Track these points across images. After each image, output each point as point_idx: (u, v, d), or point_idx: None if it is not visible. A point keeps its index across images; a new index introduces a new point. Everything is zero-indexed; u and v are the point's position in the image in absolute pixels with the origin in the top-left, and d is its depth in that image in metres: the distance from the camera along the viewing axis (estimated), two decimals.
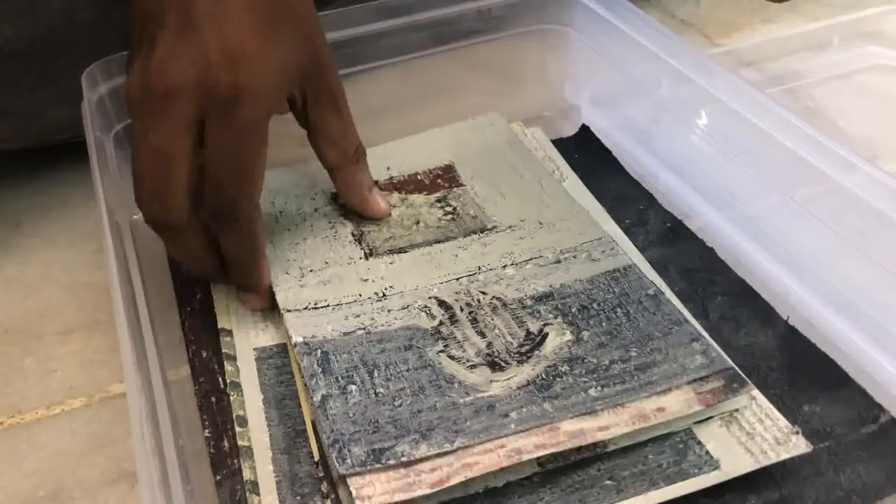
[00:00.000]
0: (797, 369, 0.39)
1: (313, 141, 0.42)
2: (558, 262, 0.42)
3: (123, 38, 0.38)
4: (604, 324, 0.39)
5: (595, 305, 0.40)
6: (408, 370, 0.37)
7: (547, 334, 0.38)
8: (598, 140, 0.53)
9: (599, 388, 0.36)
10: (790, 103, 0.58)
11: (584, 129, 0.54)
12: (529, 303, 0.40)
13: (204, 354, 0.40)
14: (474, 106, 0.53)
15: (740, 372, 0.36)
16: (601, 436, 0.34)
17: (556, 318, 0.39)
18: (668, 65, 0.47)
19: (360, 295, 0.41)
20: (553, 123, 0.55)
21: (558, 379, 0.36)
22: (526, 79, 0.58)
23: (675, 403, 0.35)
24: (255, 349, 0.40)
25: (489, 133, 0.52)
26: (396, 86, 0.55)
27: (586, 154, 0.52)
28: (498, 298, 0.40)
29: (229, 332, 0.40)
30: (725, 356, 0.37)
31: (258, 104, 0.36)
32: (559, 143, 0.52)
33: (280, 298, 0.40)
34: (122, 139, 0.46)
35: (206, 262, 0.40)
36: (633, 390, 0.35)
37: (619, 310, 0.39)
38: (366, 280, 0.42)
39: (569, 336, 0.38)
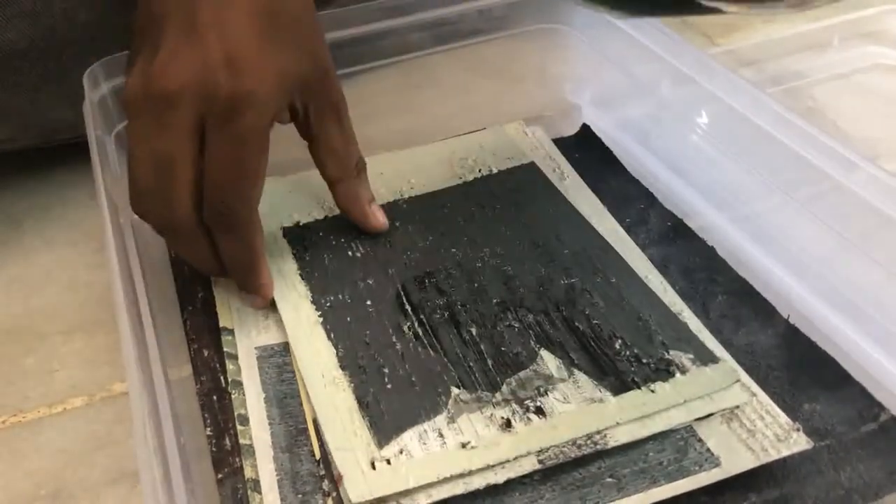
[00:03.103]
0: (798, 368, 0.39)
1: (314, 152, 0.42)
2: None
3: (125, 38, 0.38)
4: None
5: None
6: None
7: None
8: (598, 139, 0.53)
9: None
10: (790, 103, 0.58)
11: (585, 129, 0.54)
12: None
13: (205, 353, 0.40)
14: (475, 106, 0.53)
15: (740, 369, 0.37)
16: None
17: None
18: (668, 64, 0.47)
19: None
20: (554, 123, 0.55)
21: None
22: (527, 78, 0.58)
23: None
24: (256, 348, 0.40)
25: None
26: (396, 86, 0.55)
27: (587, 153, 0.52)
28: None
29: (230, 331, 0.40)
30: (727, 354, 0.38)
31: (259, 111, 0.35)
32: (560, 143, 0.52)
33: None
34: (124, 139, 0.46)
35: (211, 263, 0.40)
36: None
37: None
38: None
39: None
